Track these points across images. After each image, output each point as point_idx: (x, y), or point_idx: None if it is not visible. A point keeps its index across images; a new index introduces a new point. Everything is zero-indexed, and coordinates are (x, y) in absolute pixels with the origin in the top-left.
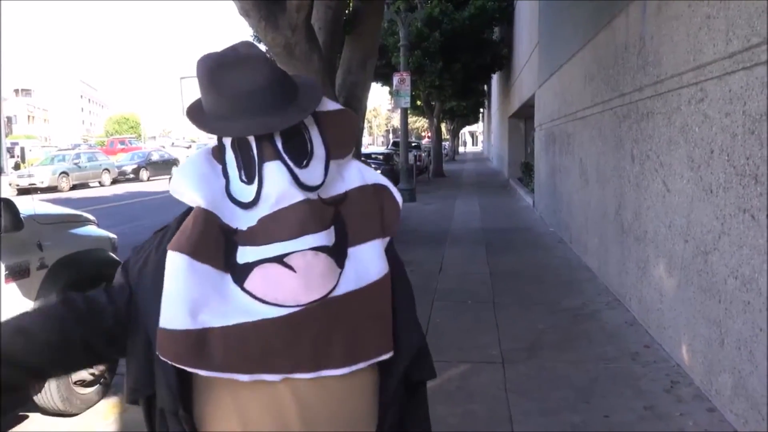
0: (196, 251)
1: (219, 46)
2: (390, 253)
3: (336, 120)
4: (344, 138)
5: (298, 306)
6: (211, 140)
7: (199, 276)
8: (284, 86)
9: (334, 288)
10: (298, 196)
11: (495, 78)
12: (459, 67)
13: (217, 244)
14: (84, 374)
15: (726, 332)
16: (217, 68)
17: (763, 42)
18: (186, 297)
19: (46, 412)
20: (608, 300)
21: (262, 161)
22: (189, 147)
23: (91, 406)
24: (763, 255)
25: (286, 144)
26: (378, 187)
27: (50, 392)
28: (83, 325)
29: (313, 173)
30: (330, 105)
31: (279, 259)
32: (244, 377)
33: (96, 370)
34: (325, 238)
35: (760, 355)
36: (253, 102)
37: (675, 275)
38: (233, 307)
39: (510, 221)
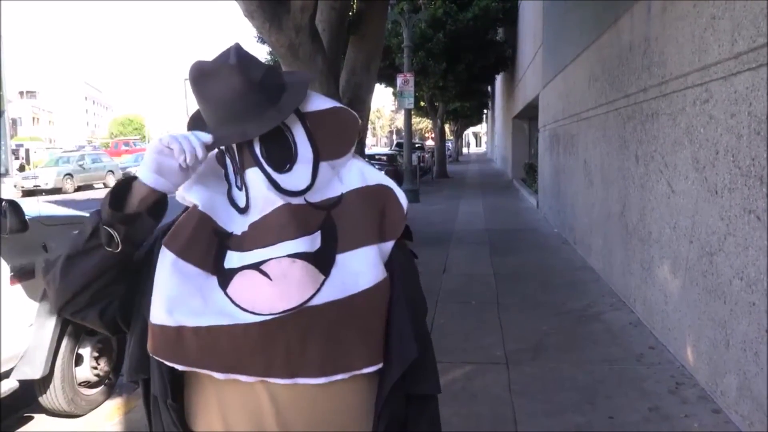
0: (184, 251)
1: (223, 48)
2: (397, 258)
3: (328, 119)
4: (338, 138)
5: (273, 314)
6: None
7: (183, 275)
8: (265, 90)
9: (314, 296)
10: (277, 201)
11: (499, 79)
12: (463, 68)
13: (208, 247)
14: (89, 375)
15: (731, 333)
16: (198, 77)
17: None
18: (165, 294)
19: (51, 413)
20: (612, 301)
21: (243, 168)
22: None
23: (95, 407)
24: None
25: (266, 149)
26: (380, 189)
27: (55, 393)
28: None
29: (296, 177)
30: (321, 104)
31: (257, 267)
32: (219, 375)
33: (101, 370)
34: (305, 244)
35: (766, 356)
36: (230, 110)
37: (680, 276)
38: (211, 309)
39: (514, 222)
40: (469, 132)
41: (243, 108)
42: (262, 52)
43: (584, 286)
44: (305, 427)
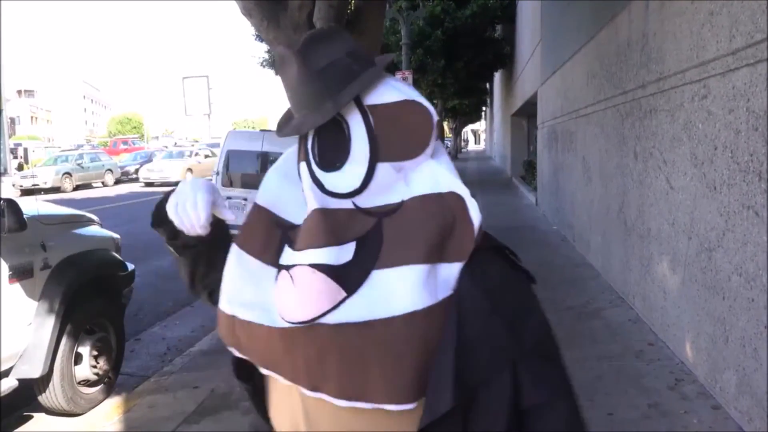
0: (242, 243)
1: (221, 46)
2: (466, 286)
3: (394, 114)
4: (406, 136)
5: (290, 323)
6: (215, 139)
7: (242, 266)
8: (328, 79)
9: (329, 313)
10: (313, 203)
11: (497, 76)
12: (461, 65)
13: (267, 239)
14: (88, 374)
15: (730, 329)
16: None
17: (766, 39)
18: (226, 282)
19: (50, 411)
20: (612, 298)
21: (298, 162)
22: (192, 146)
23: (95, 406)
24: (767, 252)
25: (318, 143)
26: (452, 197)
27: (55, 392)
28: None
29: (345, 178)
30: (391, 95)
31: (289, 269)
32: (262, 369)
33: (100, 369)
34: (330, 255)
35: (765, 352)
36: (296, 98)
37: (679, 272)
38: (258, 302)
39: (513, 219)
40: (467, 129)
41: (305, 97)
42: (260, 50)
43: (583, 283)
44: None
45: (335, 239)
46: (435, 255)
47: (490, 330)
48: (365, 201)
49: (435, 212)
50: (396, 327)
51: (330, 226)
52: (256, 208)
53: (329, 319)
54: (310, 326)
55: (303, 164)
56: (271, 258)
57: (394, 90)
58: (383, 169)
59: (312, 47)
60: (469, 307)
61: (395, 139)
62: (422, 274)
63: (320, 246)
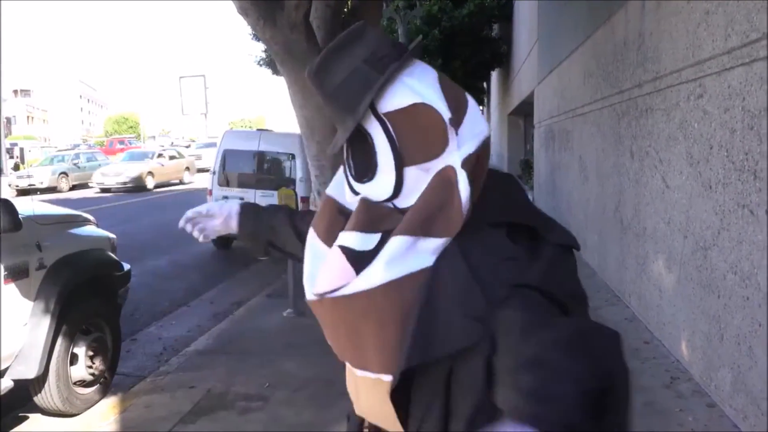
0: (315, 226)
1: (218, 45)
2: (449, 258)
3: (409, 118)
4: (424, 138)
5: (314, 294)
6: (211, 139)
7: (312, 247)
8: (345, 94)
9: (337, 290)
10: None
11: (494, 75)
12: (458, 64)
13: (331, 224)
14: (84, 374)
15: (725, 328)
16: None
17: (761, 37)
18: (305, 261)
19: (46, 412)
20: (608, 296)
21: (344, 172)
22: (188, 146)
23: (91, 406)
24: (762, 250)
25: (352, 157)
26: (448, 170)
27: (50, 392)
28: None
29: (378, 187)
30: (403, 99)
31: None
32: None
33: (96, 369)
34: (357, 240)
35: (760, 351)
36: (330, 112)
37: (674, 271)
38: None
39: None
40: None
41: (331, 115)
42: (257, 50)
43: None
44: (366, 407)
45: (369, 227)
46: (419, 228)
47: (468, 302)
48: (402, 202)
49: (432, 187)
50: (375, 297)
51: (370, 215)
52: (325, 196)
53: (334, 294)
54: (321, 300)
55: (344, 169)
56: (332, 240)
57: (407, 90)
58: (411, 172)
59: (327, 65)
60: (447, 278)
61: (415, 143)
62: (404, 245)
63: (352, 230)
